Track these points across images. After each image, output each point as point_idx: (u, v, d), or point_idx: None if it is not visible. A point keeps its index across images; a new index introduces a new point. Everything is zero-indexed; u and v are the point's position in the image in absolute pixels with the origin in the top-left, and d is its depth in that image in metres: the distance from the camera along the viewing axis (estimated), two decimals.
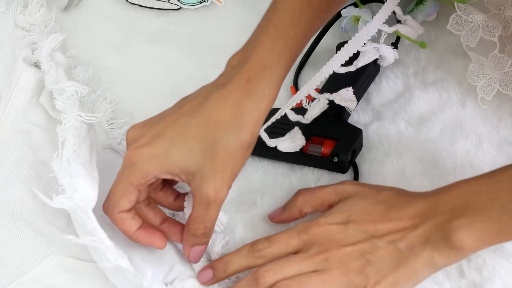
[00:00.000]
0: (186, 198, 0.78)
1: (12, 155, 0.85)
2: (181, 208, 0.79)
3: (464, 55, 0.88)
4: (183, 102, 0.77)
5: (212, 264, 0.77)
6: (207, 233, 0.76)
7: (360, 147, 0.86)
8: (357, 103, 0.89)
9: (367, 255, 0.73)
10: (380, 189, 0.78)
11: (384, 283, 0.72)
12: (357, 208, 0.76)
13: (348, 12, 0.92)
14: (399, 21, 0.90)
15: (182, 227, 0.78)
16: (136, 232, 0.76)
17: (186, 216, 0.77)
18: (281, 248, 0.76)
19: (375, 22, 0.85)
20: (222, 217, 0.81)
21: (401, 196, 0.76)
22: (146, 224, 0.77)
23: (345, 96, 0.85)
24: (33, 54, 0.91)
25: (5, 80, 0.90)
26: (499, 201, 0.71)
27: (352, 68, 0.86)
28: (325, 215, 0.76)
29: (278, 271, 0.74)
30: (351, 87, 0.86)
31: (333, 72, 0.89)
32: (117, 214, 0.75)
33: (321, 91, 0.87)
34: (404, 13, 0.91)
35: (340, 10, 0.92)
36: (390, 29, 0.88)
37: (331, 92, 0.86)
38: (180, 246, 0.80)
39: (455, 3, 0.86)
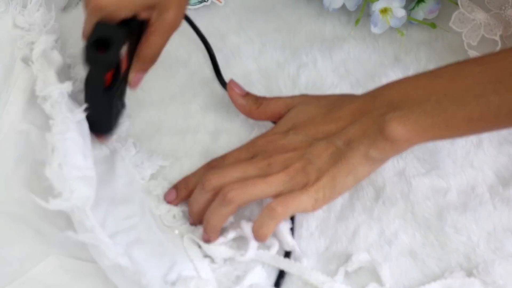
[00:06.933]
0: None
1: (12, 155, 0.85)
2: None
3: (465, 55, 0.88)
4: None
5: (175, 185, 0.82)
6: (155, 59, 0.80)
7: None
8: None
9: (307, 155, 0.75)
10: (327, 95, 0.80)
11: (324, 179, 0.74)
12: (301, 115, 0.78)
13: (376, 6, 0.90)
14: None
15: None
16: None
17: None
18: (233, 162, 0.79)
19: None
20: (291, 240, 0.79)
21: (344, 97, 0.78)
22: None
23: None
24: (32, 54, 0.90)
25: (4, 80, 0.90)
26: (435, 96, 0.72)
27: None
28: (272, 127, 0.80)
29: (223, 175, 0.76)
30: None
31: None
32: None
33: None
34: (406, 11, 0.90)
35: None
36: None
37: None
38: (180, 244, 0.80)
39: (459, 0, 0.86)
